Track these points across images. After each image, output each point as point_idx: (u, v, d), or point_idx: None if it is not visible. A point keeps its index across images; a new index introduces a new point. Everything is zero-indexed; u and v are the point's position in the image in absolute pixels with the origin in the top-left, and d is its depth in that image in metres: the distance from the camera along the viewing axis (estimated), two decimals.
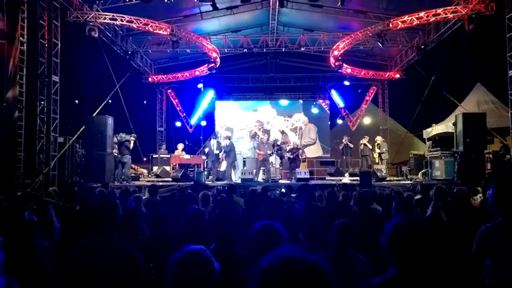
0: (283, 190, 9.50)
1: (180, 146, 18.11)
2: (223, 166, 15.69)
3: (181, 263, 1.97)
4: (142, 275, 2.73)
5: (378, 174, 14.43)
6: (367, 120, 23.43)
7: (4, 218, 3.19)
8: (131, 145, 14.67)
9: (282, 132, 20.24)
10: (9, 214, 4.71)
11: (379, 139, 17.80)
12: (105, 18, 14.34)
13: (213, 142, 15.71)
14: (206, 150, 15.86)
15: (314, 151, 22.14)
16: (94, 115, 14.95)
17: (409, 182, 14.76)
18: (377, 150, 17.26)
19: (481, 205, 6.66)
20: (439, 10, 13.88)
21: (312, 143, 22.24)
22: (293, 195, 8.66)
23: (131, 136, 14.79)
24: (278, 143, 16.39)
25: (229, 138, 16.10)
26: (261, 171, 15.43)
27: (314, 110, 22.58)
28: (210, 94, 23.01)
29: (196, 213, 3.80)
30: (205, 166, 16.43)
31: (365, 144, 17.47)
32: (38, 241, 3.56)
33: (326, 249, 3.34)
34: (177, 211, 5.38)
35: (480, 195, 7.66)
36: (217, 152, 15.32)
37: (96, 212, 2.90)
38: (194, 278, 1.94)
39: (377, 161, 17.58)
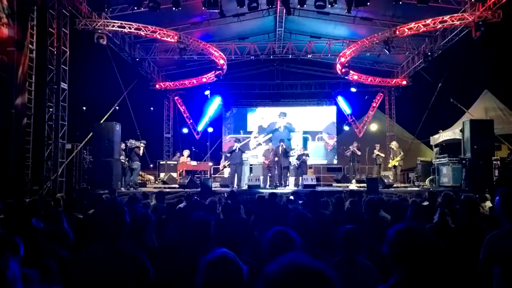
0: (291, 197, 9.46)
1: (186, 152, 18.12)
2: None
3: (213, 264, 1.99)
4: (150, 281, 2.73)
5: (385, 180, 14.36)
6: (373, 127, 23.36)
7: (13, 224, 3.22)
8: (141, 151, 14.67)
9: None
10: (18, 220, 4.76)
11: (394, 144, 17.55)
12: (113, 26, 14.48)
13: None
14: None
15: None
16: (101, 121, 14.99)
17: (416, 188, 14.68)
18: (397, 158, 16.96)
19: (490, 212, 6.62)
20: (446, 17, 13.87)
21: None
22: (300, 201, 8.63)
23: (140, 143, 14.80)
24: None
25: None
26: (268, 178, 15.47)
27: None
28: (217, 100, 23.07)
29: (201, 219, 3.80)
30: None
31: (378, 154, 17.37)
32: (55, 249, 3.60)
33: (332, 256, 3.32)
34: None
35: (489, 202, 7.62)
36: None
37: (104, 219, 2.91)
38: (225, 280, 1.96)
39: (391, 166, 17.27)
